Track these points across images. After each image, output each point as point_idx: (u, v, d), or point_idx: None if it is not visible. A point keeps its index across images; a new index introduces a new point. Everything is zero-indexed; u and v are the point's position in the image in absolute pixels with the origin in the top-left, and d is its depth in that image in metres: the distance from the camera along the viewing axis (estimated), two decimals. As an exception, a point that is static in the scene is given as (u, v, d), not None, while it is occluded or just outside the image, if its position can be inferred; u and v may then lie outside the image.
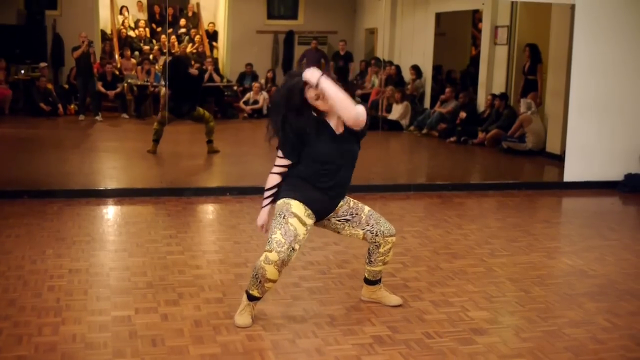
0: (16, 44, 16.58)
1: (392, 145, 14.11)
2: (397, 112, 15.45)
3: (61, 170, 9.99)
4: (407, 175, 10.79)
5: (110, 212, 8.00)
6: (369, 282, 5.18)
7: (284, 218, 4.56)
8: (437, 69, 16.41)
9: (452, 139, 13.73)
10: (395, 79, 16.31)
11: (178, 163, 11.00)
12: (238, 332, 4.59)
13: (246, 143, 13.20)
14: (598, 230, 7.61)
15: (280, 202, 4.68)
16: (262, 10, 19.17)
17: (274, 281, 4.60)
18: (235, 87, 17.78)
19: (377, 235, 4.92)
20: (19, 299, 5.09)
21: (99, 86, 16.09)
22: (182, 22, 19.49)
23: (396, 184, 9.46)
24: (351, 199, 4.95)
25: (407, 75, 16.48)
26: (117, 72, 17.05)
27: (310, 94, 4.51)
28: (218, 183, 9.63)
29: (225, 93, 17.31)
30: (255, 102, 16.78)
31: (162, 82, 14.66)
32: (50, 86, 16.22)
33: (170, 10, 19.13)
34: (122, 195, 8.55)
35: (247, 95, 17.02)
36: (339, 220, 4.89)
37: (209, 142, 11.32)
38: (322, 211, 4.77)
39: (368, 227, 4.90)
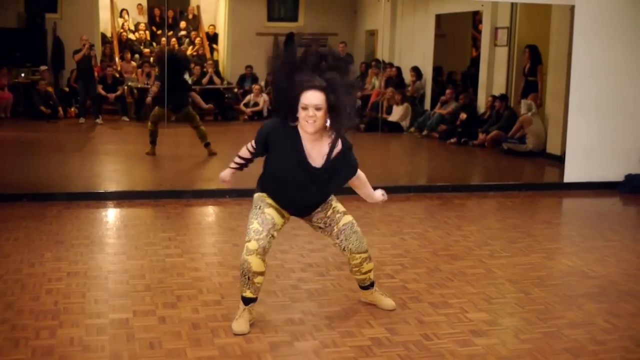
0: (16, 47, 16.59)
1: (393, 146, 14.11)
2: (397, 113, 15.45)
3: (61, 173, 9.99)
4: (407, 177, 10.78)
5: (110, 214, 7.98)
6: (360, 287, 5.16)
7: (259, 209, 4.56)
8: (437, 70, 16.40)
9: (452, 140, 13.72)
10: (395, 80, 16.31)
11: (177, 165, 11.00)
12: (236, 335, 4.58)
13: (246, 145, 13.17)
14: (598, 231, 7.59)
15: (256, 195, 4.68)
16: (262, 12, 19.16)
17: (261, 273, 4.55)
18: (235, 90, 17.77)
19: (344, 250, 4.86)
20: (17, 302, 5.08)
21: (100, 89, 16.09)
22: (183, 24, 19.49)
23: (396, 186, 9.44)
24: (333, 205, 4.79)
25: (407, 76, 16.48)
26: (117, 75, 17.06)
27: (306, 113, 4.31)
28: (217, 185, 9.61)
29: (226, 95, 17.31)
30: (256, 104, 16.76)
31: (152, 81, 14.75)
32: (50, 89, 16.23)
33: (170, 13, 19.12)
34: (121, 198, 8.54)
35: (248, 98, 17.02)
36: (313, 225, 4.87)
37: (206, 145, 11.37)
38: (296, 214, 4.78)
39: (337, 241, 4.83)
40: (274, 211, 4.57)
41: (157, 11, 19.70)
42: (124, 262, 6.11)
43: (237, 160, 4.82)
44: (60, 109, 16.00)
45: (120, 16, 19.47)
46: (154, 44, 19.09)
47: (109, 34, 18.91)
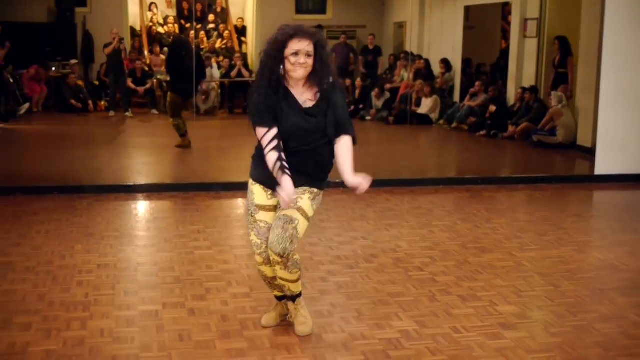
0: (47, 41, 16.78)
1: (422, 139, 14.07)
2: (426, 106, 15.40)
3: (91, 166, 10.06)
4: (436, 170, 10.74)
5: (139, 207, 8.03)
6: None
7: (252, 216, 4.39)
8: (466, 62, 16.31)
9: (481, 132, 13.64)
10: (424, 72, 16.25)
11: (207, 158, 11.04)
12: (265, 327, 4.59)
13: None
14: (629, 224, 7.52)
15: (249, 183, 4.51)
16: (290, 5, 19.17)
17: (275, 277, 4.44)
18: (264, 82, 17.75)
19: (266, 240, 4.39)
20: (48, 294, 5.13)
21: (129, 82, 16.19)
22: (211, 17, 19.55)
23: (425, 178, 9.41)
24: (304, 195, 4.27)
25: (436, 69, 16.41)
26: (146, 69, 17.18)
27: (296, 59, 4.13)
28: (246, 178, 9.62)
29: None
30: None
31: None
32: (80, 83, 16.39)
33: (199, 6, 19.20)
34: (151, 190, 8.59)
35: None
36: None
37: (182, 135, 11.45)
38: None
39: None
40: (263, 214, 4.37)
41: (185, 4, 19.76)
42: (154, 255, 6.15)
43: (280, 163, 4.13)
44: (90, 102, 16.17)
45: (149, 10, 19.59)
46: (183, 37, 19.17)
47: (138, 28, 19.03)
